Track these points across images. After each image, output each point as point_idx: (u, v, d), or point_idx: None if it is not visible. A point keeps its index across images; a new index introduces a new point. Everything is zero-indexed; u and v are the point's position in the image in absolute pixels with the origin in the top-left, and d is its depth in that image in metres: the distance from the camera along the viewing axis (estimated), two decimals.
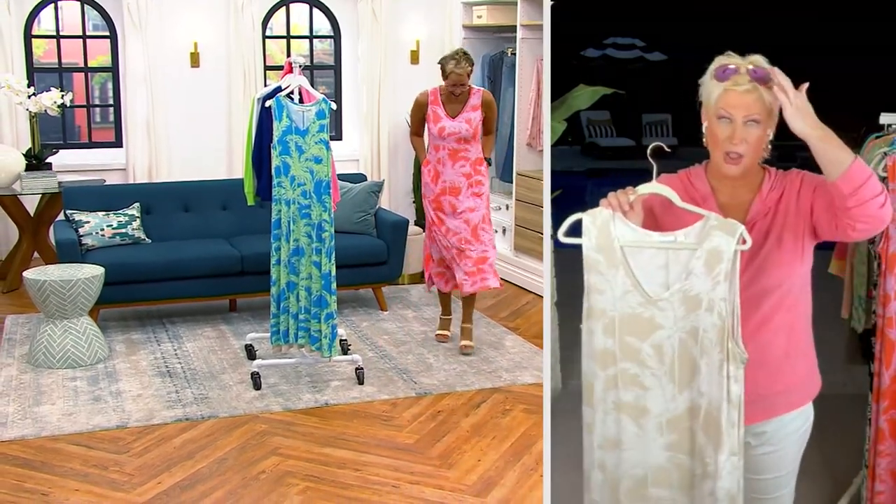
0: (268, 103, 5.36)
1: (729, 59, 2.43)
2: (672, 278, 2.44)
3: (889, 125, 3.11)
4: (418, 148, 6.37)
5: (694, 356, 2.44)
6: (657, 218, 2.59)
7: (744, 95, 2.39)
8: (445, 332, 6.47)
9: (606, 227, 2.47)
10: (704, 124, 2.50)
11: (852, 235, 2.42)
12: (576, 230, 2.50)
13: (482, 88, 6.30)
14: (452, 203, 6.13)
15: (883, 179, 2.97)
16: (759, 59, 2.41)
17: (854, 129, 3.19)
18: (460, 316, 6.42)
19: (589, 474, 2.63)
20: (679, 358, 2.45)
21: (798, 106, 2.32)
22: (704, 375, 2.43)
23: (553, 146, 2.81)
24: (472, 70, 6.05)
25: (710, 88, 2.45)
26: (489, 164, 6.29)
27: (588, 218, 2.49)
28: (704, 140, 2.51)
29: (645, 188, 2.49)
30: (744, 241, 2.36)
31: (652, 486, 2.55)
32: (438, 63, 6.12)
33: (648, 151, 2.49)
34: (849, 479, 3.27)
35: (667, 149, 2.51)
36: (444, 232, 6.16)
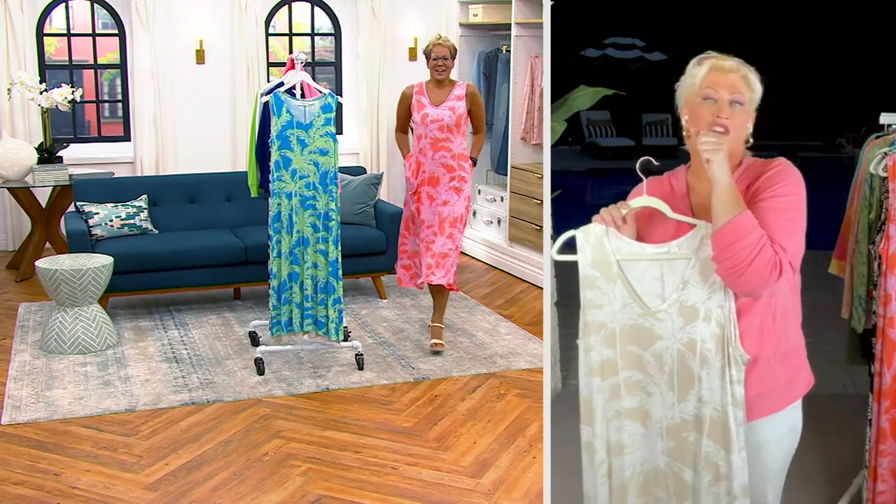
0: (263, 99, 5.39)
1: (708, 54, 2.45)
2: (668, 289, 2.43)
3: (889, 125, 3.03)
4: (401, 144, 6.18)
5: (692, 368, 2.44)
6: (641, 228, 2.57)
7: (728, 74, 2.38)
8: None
9: (601, 242, 2.46)
10: (684, 118, 2.47)
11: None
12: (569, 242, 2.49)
13: (467, 82, 6.18)
14: (430, 193, 5.95)
15: (883, 180, 2.93)
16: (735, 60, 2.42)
17: (854, 129, 3.13)
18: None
19: (594, 492, 2.59)
20: (678, 369, 2.45)
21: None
22: (706, 384, 2.43)
23: (553, 146, 2.79)
24: (454, 51, 5.96)
25: (694, 73, 2.43)
26: (474, 164, 6.07)
27: (581, 235, 2.48)
28: (685, 134, 2.48)
29: (637, 202, 2.48)
30: None
31: (653, 487, 2.57)
32: (423, 52, 6.06)
33: (637, 166, 2.48)
34: (849, 479, 3.21)
35: (655, 163, 2.51)
36: (420, 224, 5.99)
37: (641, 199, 2.47)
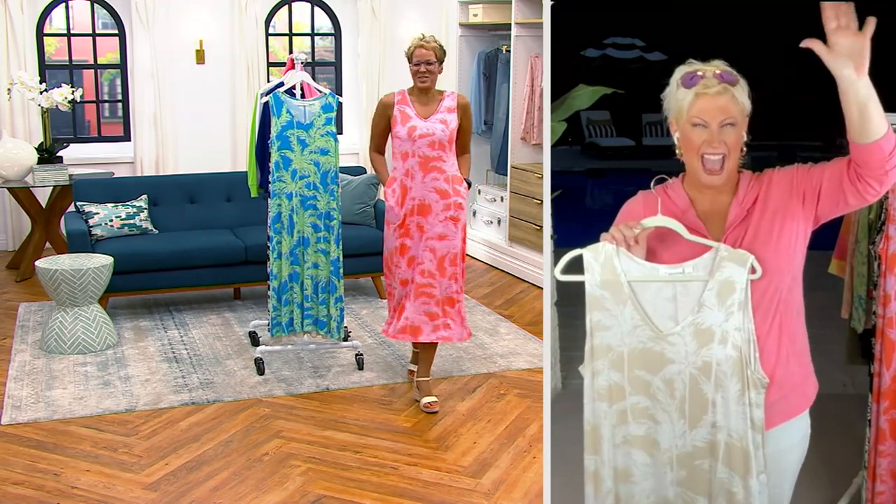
0: (263, 99, 5.39)
1: (692, 67, 2.38)
2: (682, 311, 2.37)
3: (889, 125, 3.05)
4: (380, 168, 5.14)
5: (705, 392, 2.37)
6: (653, 246, 2.50)
7: (717, 98, 2.32)
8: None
9: (611, 262, 2.38)
10: (675, 135, 2.43)
11: (870, 199, 2.33)
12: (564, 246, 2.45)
13: (457, 92, 5.31)
14: (420, 224, 4.98)
15: None
16: (720, 64, 2.36)
17: None
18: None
19: None
20: (690, 394, 2.38)
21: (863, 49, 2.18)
22: (720, 409, 2.36)
23: (553, 146, 2.76)
24: (443, 54, 5.00)
25: (680, 97, 2.38)
26: (469, 185, 5.12)
27: (589, 254, 2.40)
28: (678, 153, 2.44)
29: (651, 222, 2.40)
30: (753, 271, 2.30)
31: None
32: (406, 54, 5.08)
33: (652, 183, 2.44)
34: (849, 480, 3.19)
35: (669, 179, 2.49)
36: (408, 262, 5.02)
37: (656, 219, 2.40)
